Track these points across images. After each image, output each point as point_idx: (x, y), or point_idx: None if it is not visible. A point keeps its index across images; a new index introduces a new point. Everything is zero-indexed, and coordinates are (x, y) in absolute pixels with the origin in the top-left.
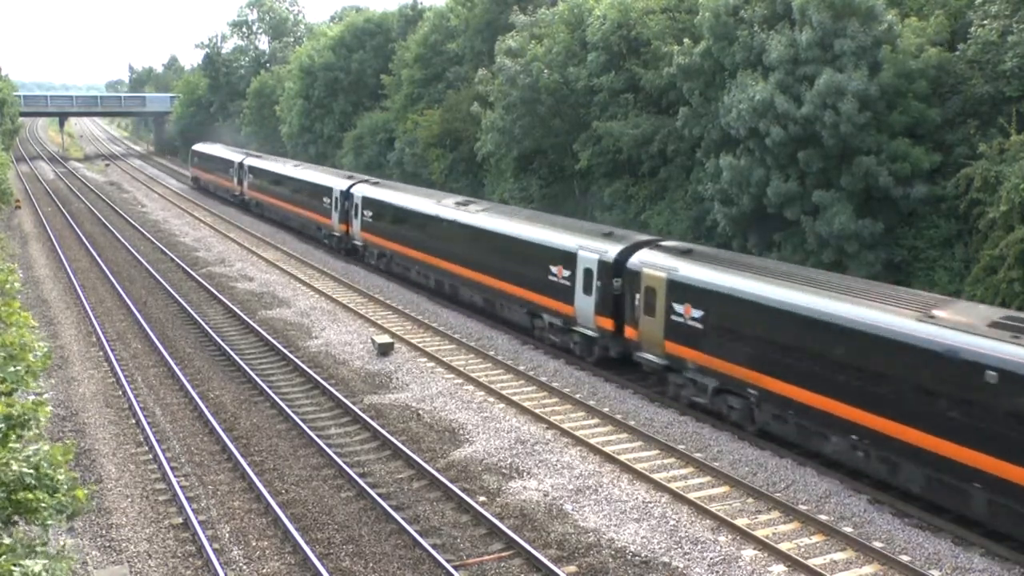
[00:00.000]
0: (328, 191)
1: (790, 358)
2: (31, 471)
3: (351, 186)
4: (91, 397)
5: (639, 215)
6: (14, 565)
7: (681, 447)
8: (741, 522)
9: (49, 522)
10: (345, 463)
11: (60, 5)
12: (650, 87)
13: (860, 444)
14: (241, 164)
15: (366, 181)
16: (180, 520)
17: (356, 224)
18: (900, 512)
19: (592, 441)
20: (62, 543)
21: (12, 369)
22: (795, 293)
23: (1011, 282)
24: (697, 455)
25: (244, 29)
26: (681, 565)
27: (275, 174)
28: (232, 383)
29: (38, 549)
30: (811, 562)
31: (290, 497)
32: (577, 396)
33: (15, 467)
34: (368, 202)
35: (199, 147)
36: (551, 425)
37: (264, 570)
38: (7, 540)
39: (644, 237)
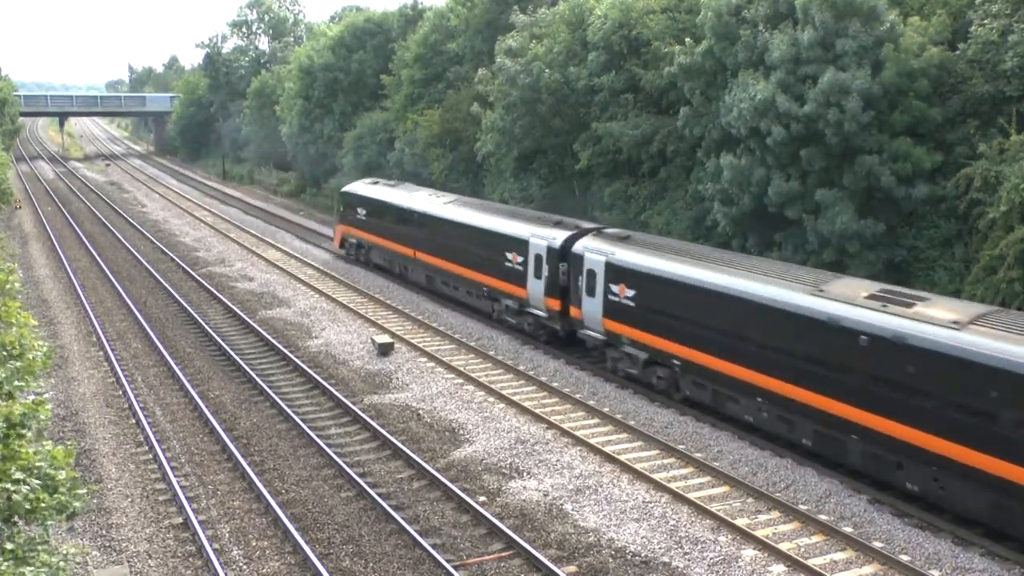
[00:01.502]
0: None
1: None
2: (27, 479)
3: None
4: (91, 397)
5: (639, 215)
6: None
7: (681, 447)
8: (741, 522)
9: (49, 522)
10: (345, 463)
11: (60, 5)
12: (650, 87)
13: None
14: (573, 254)
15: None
16: (180, 520)
17: None
18: (900, 512)
19: (592, 441)
20: (64, 551)
21: (17, 382)
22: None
23: (1011, 282)
24: (697, 455)
25: (244, 29)
26: (681, 565)
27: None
28: (232, 383)
29: (39, 547)
30: (811, 562)
31: (290, 497)
32: (577, 396)
33: (14, 492)
34: None
35: (369, 190)
36: (551, 425)
37: (264, 570)
38: (9, 545)
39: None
